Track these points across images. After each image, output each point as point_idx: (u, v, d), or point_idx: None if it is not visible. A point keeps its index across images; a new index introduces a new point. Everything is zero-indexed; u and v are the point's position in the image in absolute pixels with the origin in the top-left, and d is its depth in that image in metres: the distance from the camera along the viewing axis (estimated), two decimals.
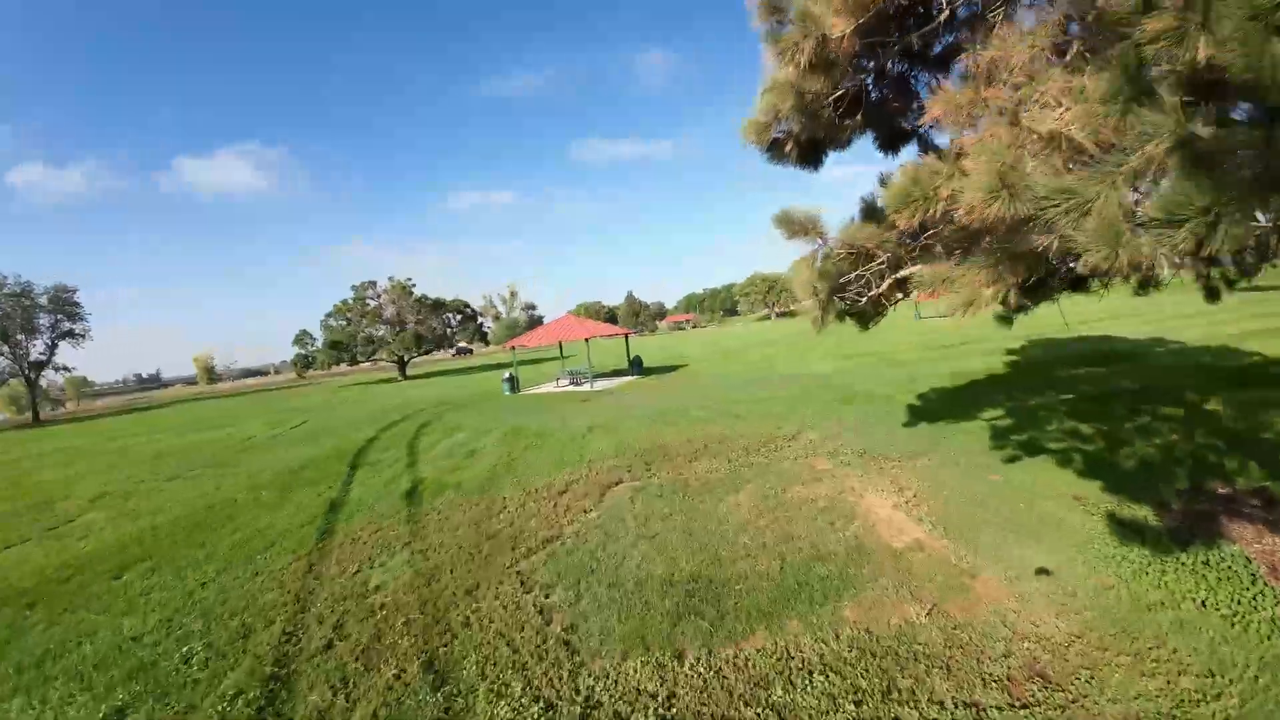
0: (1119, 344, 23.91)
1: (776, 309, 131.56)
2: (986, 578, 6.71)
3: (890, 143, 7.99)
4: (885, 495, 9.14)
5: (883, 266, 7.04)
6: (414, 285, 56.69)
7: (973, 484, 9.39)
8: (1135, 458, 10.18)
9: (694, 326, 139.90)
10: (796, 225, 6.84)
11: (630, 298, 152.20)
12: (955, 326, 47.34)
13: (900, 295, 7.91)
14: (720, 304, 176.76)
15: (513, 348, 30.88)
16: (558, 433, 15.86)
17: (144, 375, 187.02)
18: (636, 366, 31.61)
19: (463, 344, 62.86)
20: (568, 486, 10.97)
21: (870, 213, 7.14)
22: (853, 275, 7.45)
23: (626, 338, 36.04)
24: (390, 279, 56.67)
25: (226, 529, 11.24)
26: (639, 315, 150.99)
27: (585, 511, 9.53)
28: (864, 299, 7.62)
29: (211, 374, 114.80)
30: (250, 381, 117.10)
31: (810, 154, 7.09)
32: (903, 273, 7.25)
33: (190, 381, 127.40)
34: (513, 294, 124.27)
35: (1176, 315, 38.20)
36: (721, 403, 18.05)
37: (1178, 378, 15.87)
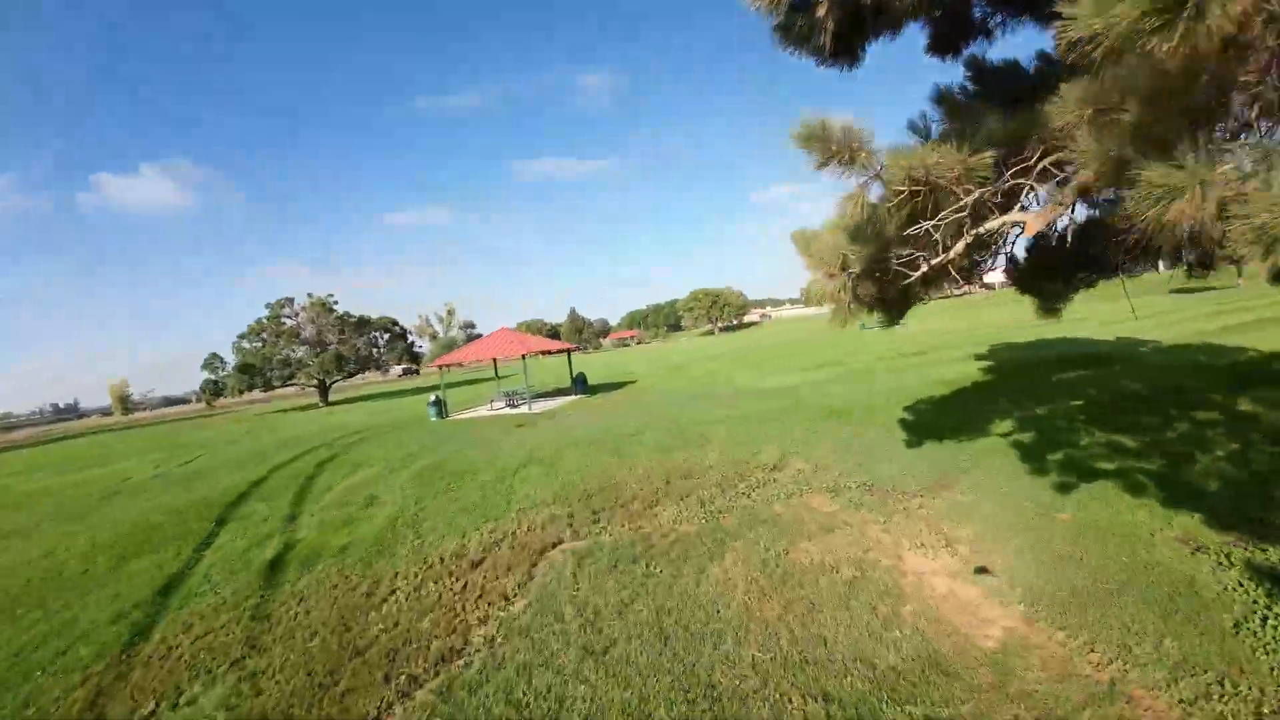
0: (1088, 346, 22.41)
1: (719, 323, 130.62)
2: (1143, 695, 4.14)
3: (949, 40, 5.44)
4: (931, 553, 6.53)
5: (963, 214, 4.40)
6: (335, 302, 52.06)
7: (1040, 528, 6.89)
8: (1213, 476, 7.98)
9: (638, 343, 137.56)
10: (833, 145, 4.13)
11: (573, 314, 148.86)
12: (906, 335, 46.44)
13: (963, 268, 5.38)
14: (664, 319, 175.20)
15: (441, 367, 27.43)
16: (483, 470, 12.78)
17: (60, 406, 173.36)
18: (580, 384, 28.67)
19: (409, 365, 58.30)
20: (486, 553, 7.96)
21: (947, 132, 4.50)
22: (905, 235, 4.83)
23: (569, 354, 32.91)
24: (309, 295, 51.95)
25: (28, 619, 7.85)
26: (582, 332, 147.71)
27: (506, 599, 6.52)
28: (915, 272, 5.00)
29: (127, 404, 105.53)
30: (169, 411, 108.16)
31: (847, 32, 4.47)
32: (989, 224, 4.64)
33: (108, 412, 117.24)
34: (450, 312, 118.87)
35: (1121, 319, 37.79)
36: (680, 424, 15.33)
37: (1180, 377, 14.09)
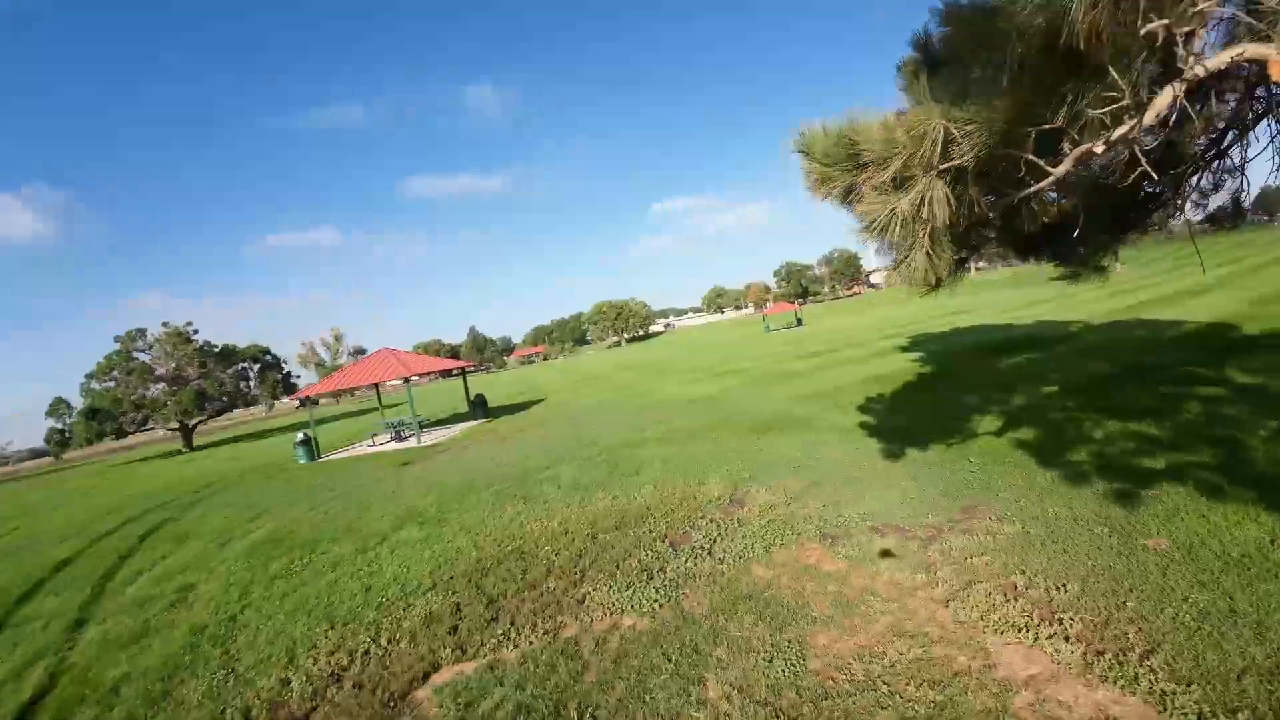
0: (1011, 330, 21.59)
1: (625, 335, 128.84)
2: None
3: None
4: (1031, 637, 4.10)
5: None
6: (195, 331, 45.38)
7: (1140, 567, 4.67)
8: None
9: (544, 359, 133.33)
10: None
11: (473, 333, 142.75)
12: (807, 334, 46.01)
13: None
14: (570, 334, 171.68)
15: (306, 399, 23.22)
16: (343, 537, 9.48)
17: None
18: (480, 408, 25.26)
19: (308, 396, 51.87)
20: (317, 701, 4.93)
21: None
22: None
23: (464, 374, 29.18)
24: (165, 325, 45.09)
25: None
26: (484, 351, 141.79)
27: None
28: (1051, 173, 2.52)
29: None
30: (26, 466, 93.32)
31: None
32: (1221, 56, 2.12)
33: None
34: (337, 338, 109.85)
35: (1025, 304, 38.50)
36: (601, 449, 12.58)
37: (1141, 354, 12.87)
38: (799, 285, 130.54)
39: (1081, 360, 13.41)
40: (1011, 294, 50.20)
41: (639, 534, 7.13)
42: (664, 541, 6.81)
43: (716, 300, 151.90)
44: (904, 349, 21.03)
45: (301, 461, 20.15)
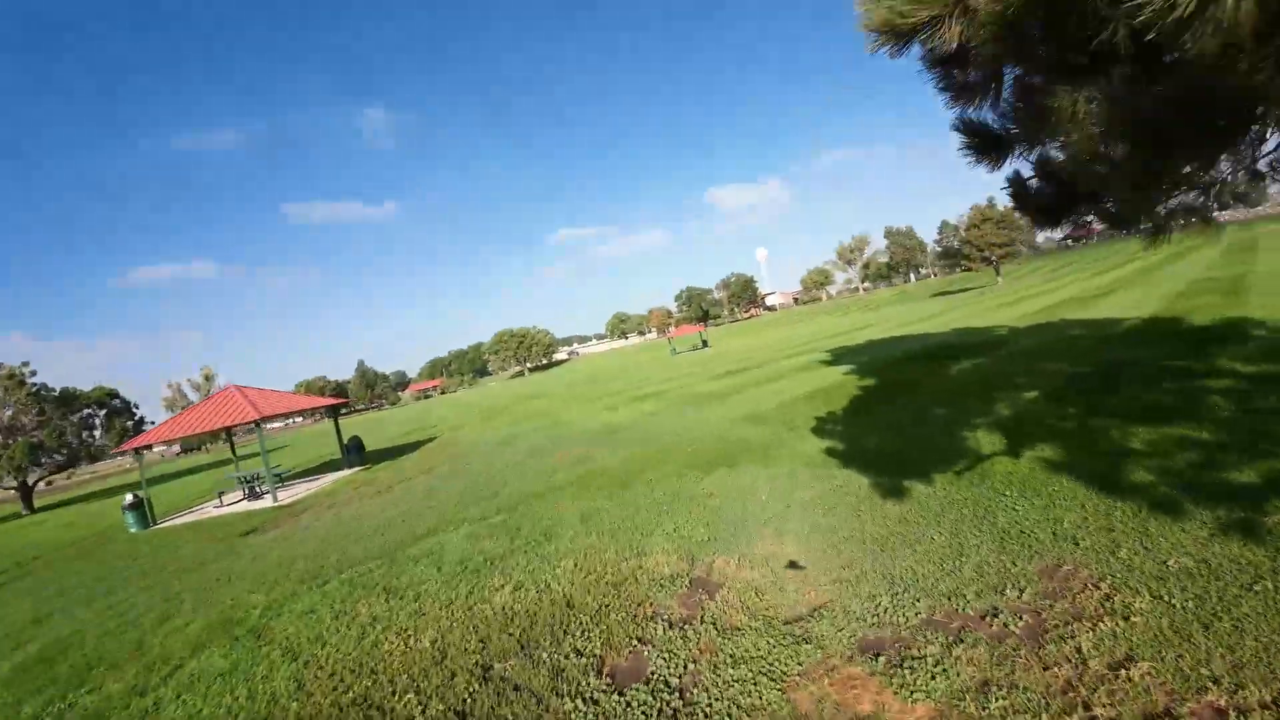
0: (933, 340, 20.72)
1: (529, 364, 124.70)
2: None
3: None
4: None
5: None
6: (31, 373, 38.15)
7: None
8: None
9: (442, 392, 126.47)
10: None
11: (362, 368, 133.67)
12: (715, 355, 44.80)
13: None
14: (469, 366, 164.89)
15: (137, 451, 18.77)
16: (126, 661, 6.16)
17: None
18: (355, 453, 21.48)
19: (136, 445, 44.67)
20: None
21: None
22: None
23: (336, 414, 25.02)
24: None
25: None
26: (374, 387, 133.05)
27: None
28: None
29: None
30: None
31: None
32: None
33: None
34: (208, 378, 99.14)
35: (923, 317, 38.86)
36: (502, 503, 9.75)
37: (1101, 353, 11.73)
38: (699, 309, 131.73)
39: (1037, 362, 12.12)
40: (903, 309, 51.44)
41: (556, 660, 4.49)
42: (599, 675, 4.24)
43: (620, 326, 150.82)
44: (828, 363, 19.57)
45: (132, 530, 15.92)
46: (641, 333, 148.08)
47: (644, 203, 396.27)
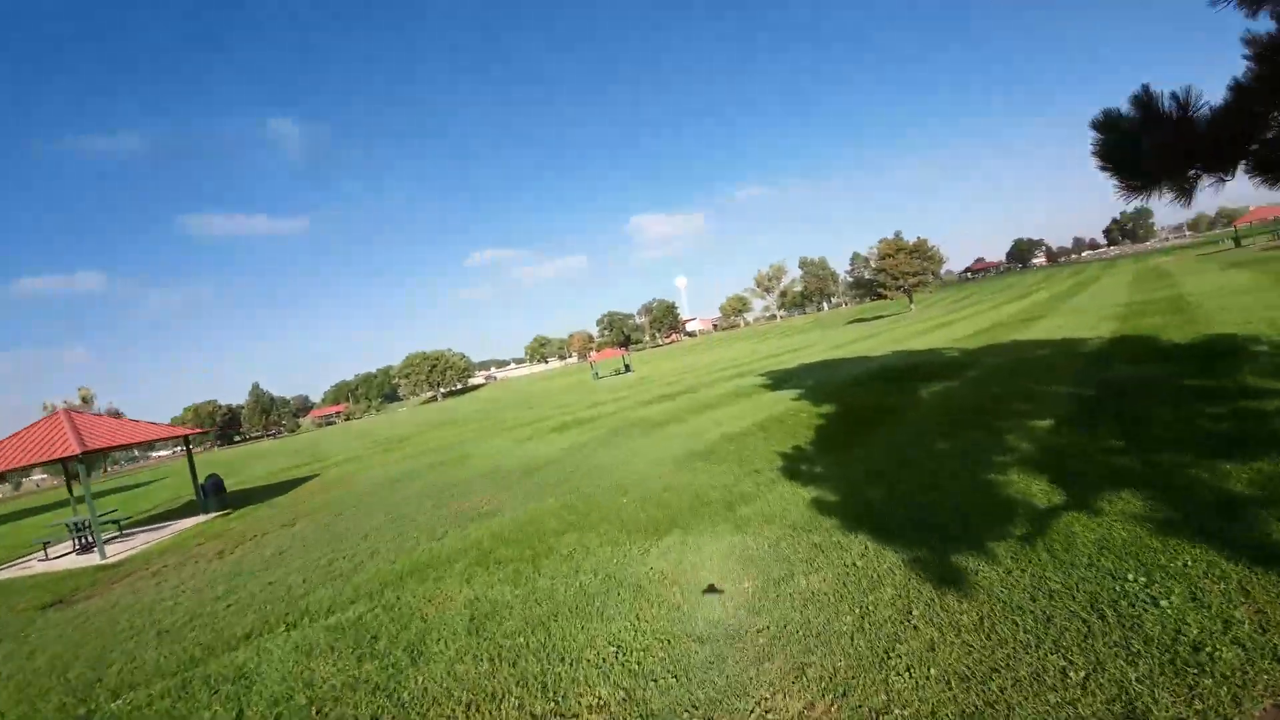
0: (874, 363, 19.27)
1: (443, 388, 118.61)
2: None
3: None
4: None
5: None
6: None
7: None
8: None
9: (346, 418, 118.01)
10: None
11: (257, 391, 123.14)
12: (638, 379, 42.52)
13: None
14: (378, 389, 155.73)
15: None
16: None
17: None
18: (213, 494, 17.58)
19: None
20: None
21: None
22: None
23: (187, 443, 20.54)
24: None
25: None
26: (270, 413, 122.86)
27: None
28: None
29: None
30: None
31: None
32: None
33: None
34: (85, 400, 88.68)
35: (848, 340, 38.16)
36: (362, 586, 6.74)
37: (1092, 373, 10.22)
38: (621, 333, 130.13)
39: (1021, 383, 10.45)
40: (823, 334, 51.20)
41: None
42: None
43: (540, 350, 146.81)
44: (769, 386, 17.65)
45: None
46: (562, 357, 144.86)
47: (566, 227, 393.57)
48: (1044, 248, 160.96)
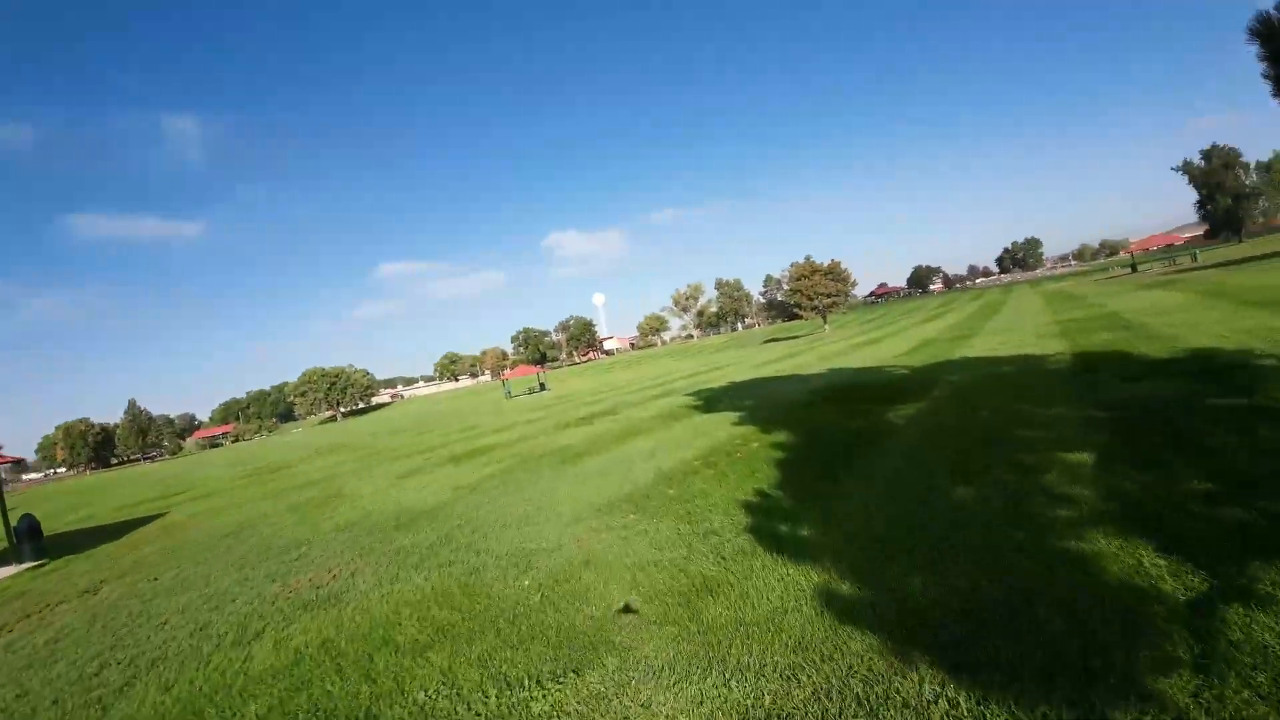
0: (816, 381, 17.63)
1: (343, 407, 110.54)
2: None
3: None
4: None
5: None
6: None
7: None
8: None
9: (234, 440, 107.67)
10: None
11: (134, 409, 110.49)
12: (552, 398, 39.66)
13: None
14: (271, 409, 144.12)
15: None
16: None
17: None
18: (26, 541, 13.59)
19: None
20: None
21: None
22: None
23: None
24: None
25: None
26: (148, 434, 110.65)
27: None
28: None
29: None
30: None
31: None
32: None
33: None
34: None
35: (771, 359, 37.03)
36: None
37: (1098, 394, 8.66)
38: (537, 351, 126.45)
39: (1007, 404, 8.66)
40: (743, 353, 50.29)
41: None
42: None
43: (450, 367, 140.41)
44: (700, 408, 15.51)
45: None
46: (474, 374, 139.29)
47: (482, 241, 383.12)
48: (941, 274, 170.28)
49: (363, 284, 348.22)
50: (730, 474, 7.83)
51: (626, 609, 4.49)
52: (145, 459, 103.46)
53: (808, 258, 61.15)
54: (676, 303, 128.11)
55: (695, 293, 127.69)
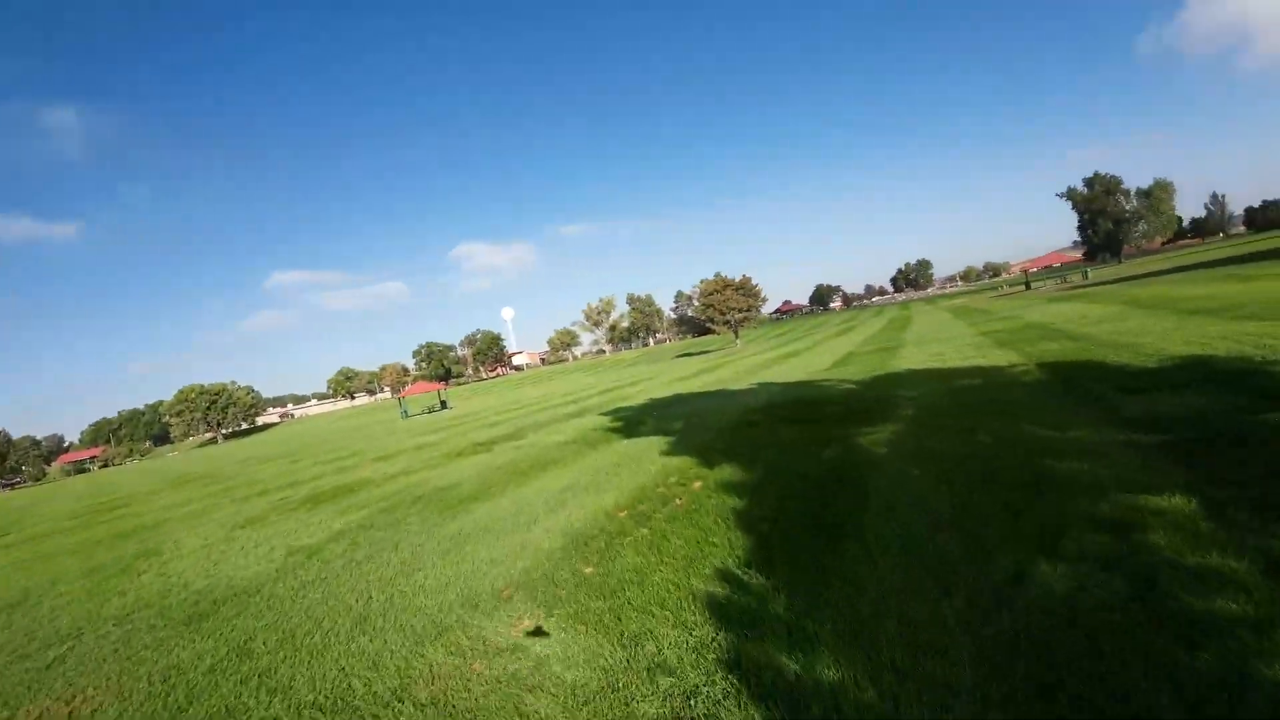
0: (750, 398, 15.80)
1: (224, 428, 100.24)
2: None
3: None
4: None
5: None
6: None
7: None
8: None
9: (103, 465, 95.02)
10: None
11: None
12: (452, 417, 36.21)
13: None
14: (145, 430, 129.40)
15: None
16: None
17: None
18: None
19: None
20: None
21: None
22: None
23: None
24: None
25: None
26: (6, 458, 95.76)
27: None
28: None
29: None
30: None
31: None
32: None
33: None
34: None
35: (690, 374, 35.35)
36: None
37: (1121, 411, 7.03)
38: (441, 366, 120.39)
39: (1008, 425, 6.84)
40: (657, 368, 48.57)
41: None
42: None
43: (345, 384, 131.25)
44: (621, 432, 13.18)
45: None
46: (372, 392, 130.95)
47: (383, 249, 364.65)
48: (841, 292, 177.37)
49: (253, 294, 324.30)
50: (672, 536, 5.48)
51: None
52: (4, 486, 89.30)
53: (718, 274, 60.69)
54: (588, 317, 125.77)
55: (607, 307, 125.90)
